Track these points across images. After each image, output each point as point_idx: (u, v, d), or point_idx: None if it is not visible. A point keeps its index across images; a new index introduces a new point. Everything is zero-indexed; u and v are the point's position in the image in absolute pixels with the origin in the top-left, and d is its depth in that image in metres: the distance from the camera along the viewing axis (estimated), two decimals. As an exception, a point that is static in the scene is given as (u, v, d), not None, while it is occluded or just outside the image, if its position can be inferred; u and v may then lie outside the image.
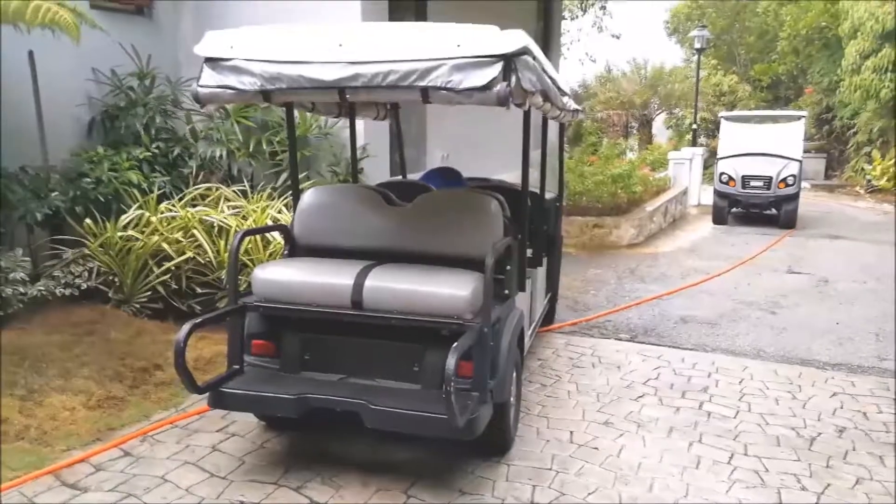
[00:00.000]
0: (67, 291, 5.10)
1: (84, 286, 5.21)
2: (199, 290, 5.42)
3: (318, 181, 6.29)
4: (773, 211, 12.18)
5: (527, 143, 3.66)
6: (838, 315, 6.63)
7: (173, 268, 5.33)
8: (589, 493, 3.30)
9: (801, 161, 12.19)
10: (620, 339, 5.79)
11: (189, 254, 5.33)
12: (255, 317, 3.52)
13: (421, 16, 7.39)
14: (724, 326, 6.21)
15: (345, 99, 3.09)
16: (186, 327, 3.09)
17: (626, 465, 3.58)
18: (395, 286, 3.26)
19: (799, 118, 13.02)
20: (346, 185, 4.22)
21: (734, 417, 4.23)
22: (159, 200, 5.72)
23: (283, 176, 6.21)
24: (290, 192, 5.97)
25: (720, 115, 14.53)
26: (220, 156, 6.17)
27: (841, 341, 5.83)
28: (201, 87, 3.14)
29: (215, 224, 5.48)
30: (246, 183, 6.14)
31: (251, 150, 6.22)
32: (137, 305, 5.33)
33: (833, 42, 22.32)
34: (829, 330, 6.14)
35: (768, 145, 12.26)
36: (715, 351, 5.55)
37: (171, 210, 5.59)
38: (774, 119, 13.89)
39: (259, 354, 3.55)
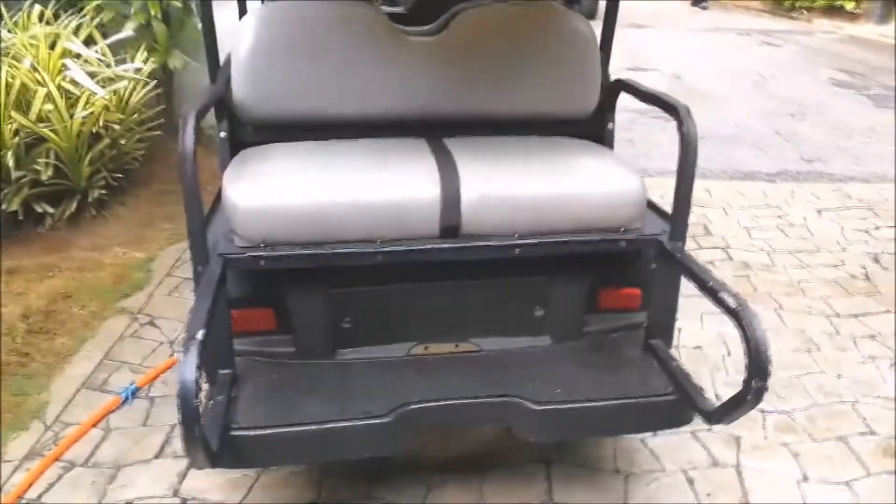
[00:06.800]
0: None
1: None
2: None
3: None
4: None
5: None
6: (726, 116, 6.48)
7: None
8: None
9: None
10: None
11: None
12: (240, 272, 1.85)
13: None
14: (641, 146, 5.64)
15: None
16: (193, 359, 1.35)
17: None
18: (518, 193, 1.85)
19: None
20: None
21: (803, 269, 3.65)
22: None
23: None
24: None
25: None
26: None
27: (759, 147, 5.71)
28: None
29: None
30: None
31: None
32: None
33: None
34: (737, 136, 5.98)
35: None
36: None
37: None
38: None
39: (250, 333, 1.92)
